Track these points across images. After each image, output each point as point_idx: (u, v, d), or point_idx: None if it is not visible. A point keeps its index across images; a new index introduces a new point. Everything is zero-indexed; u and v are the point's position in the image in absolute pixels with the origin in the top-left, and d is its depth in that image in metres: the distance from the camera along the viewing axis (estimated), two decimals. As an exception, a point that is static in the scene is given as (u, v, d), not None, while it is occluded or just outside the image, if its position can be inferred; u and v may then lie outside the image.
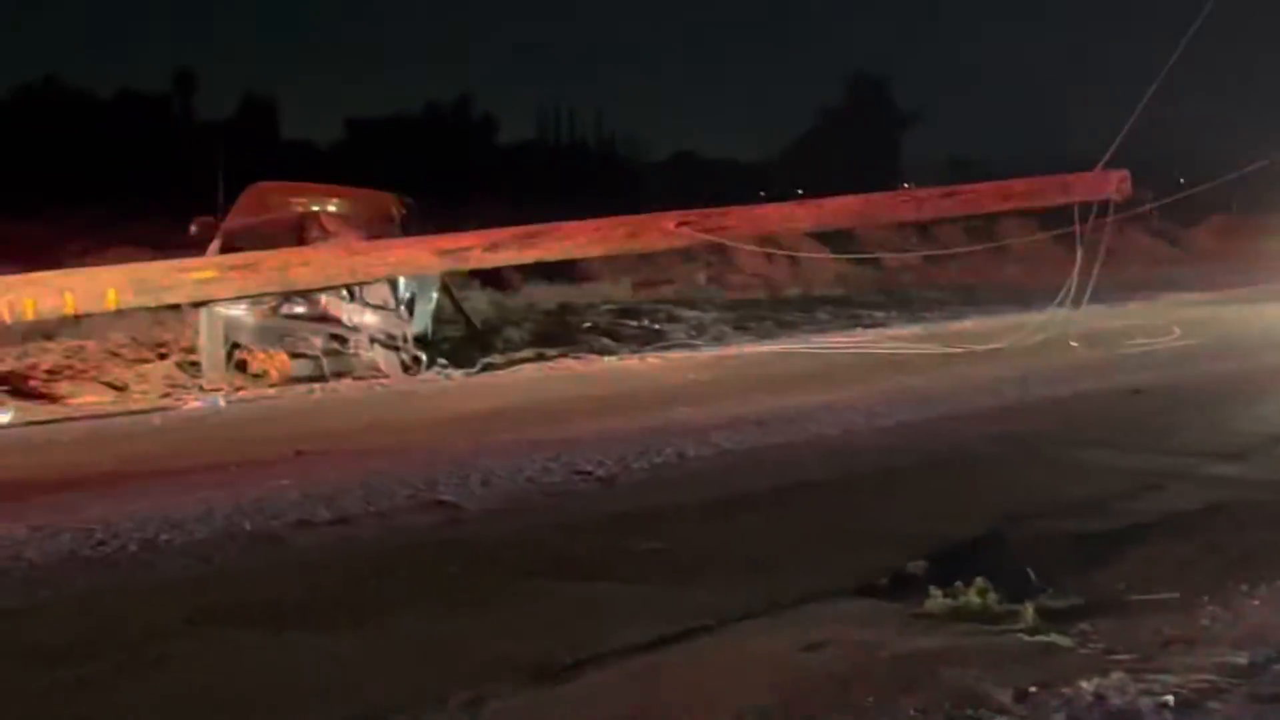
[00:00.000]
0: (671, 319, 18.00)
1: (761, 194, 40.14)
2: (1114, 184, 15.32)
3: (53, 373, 12.67)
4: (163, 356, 13.54)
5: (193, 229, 14.47)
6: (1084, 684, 4.34)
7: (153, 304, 12.54)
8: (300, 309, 12.84)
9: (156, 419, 10.80)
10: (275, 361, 12.71)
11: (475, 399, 11.55)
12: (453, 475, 7.92)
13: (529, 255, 13.59)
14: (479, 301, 18.38)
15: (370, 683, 4.61)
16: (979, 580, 5.30)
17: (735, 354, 14.81)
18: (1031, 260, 25.40)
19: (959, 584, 5.31)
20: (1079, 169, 16.31)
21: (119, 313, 13.31)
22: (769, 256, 24.11)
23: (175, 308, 13.88)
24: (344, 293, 12.87)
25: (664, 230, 13.85)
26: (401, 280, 13.21)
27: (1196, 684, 4.36)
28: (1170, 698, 4.25)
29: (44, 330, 14.10)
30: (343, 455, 8.84)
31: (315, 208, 14.44)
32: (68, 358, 13.30)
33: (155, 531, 6.69)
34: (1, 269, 13.35)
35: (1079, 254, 14.75)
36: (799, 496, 7.48)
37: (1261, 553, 5.98)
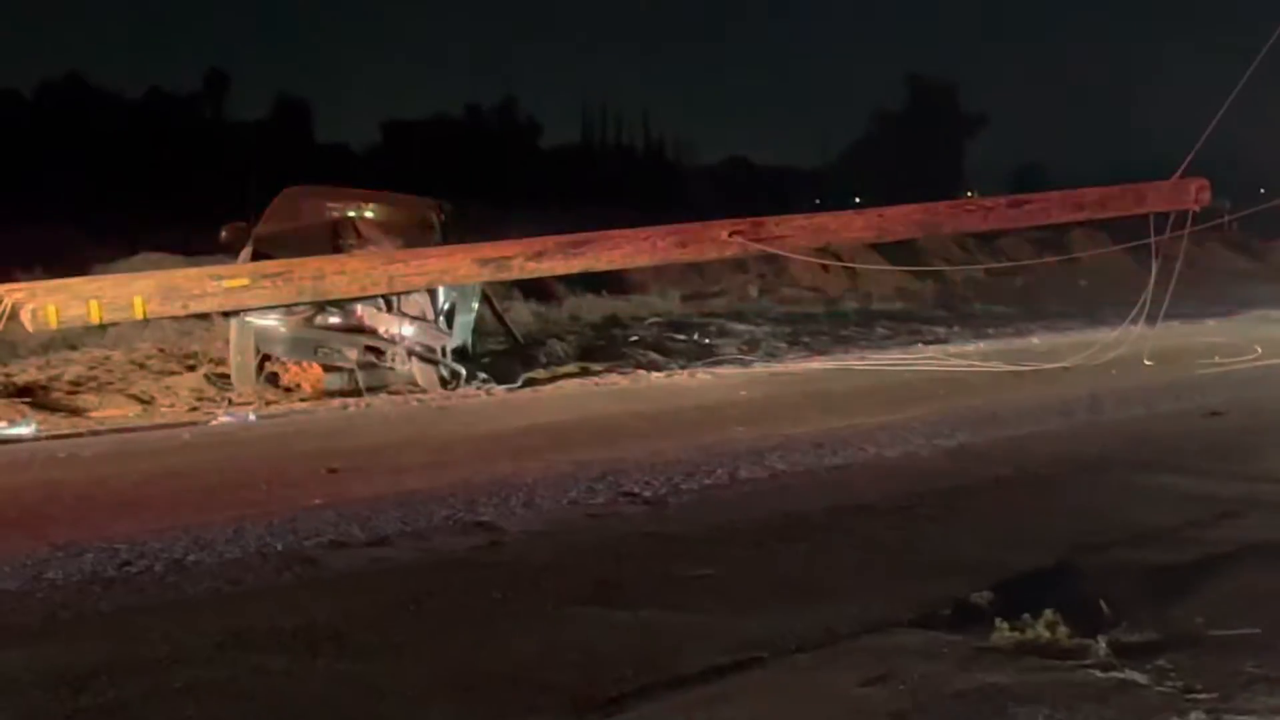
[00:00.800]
0: (722, 333, 18.02)
1: (817, 201, 40.21)
2: (1192, 193, 15.19)
3: (76, 384, 12.75)
4: (191, 368, 13.62)
5: (223, 235, 14.51)
6: (1161, 724, 4.32)
7: (181, 313, 12.54)
8: (335, 320, 12.86)
9: (184, 434, 10.84)
10: (308, 374, 12.76)
11: (517, 415, 11.56)
12: (493, 495, 7.94)
13: (574, 265, 13.55)
14: (521, 313, 18.42)
15: (408, 714, 4.62)
16: (1048, 612, 5.28)
17: (789, 370, 14.80)
18: (1103, 273, 25.31)
19: (1026, 616, 5.28)
20: (1154, 177, 16.20)
21: (146, 322, 13.40)
22: (825, 268, 24.15)
23: (204, 317, 13.98)
24: (380, 303, 12.88)
25: (715, 239, 13.81)
26: (441, 290, 13.20)
27: (1280, 726, 4.33)
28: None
29: (68, 340, 14.23)
30: (378, 473, 8.85)
31: (351, 213, 14.46)
32: (92, 369, 13.39)
33: (183, 551, 6.73)
34: (24, 275, 13.48)
35: (1154, 267, 14.67)
36: (857, 521, 7.45)
37: (1349, 586, 5.93)
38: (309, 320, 12.79)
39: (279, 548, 6.83)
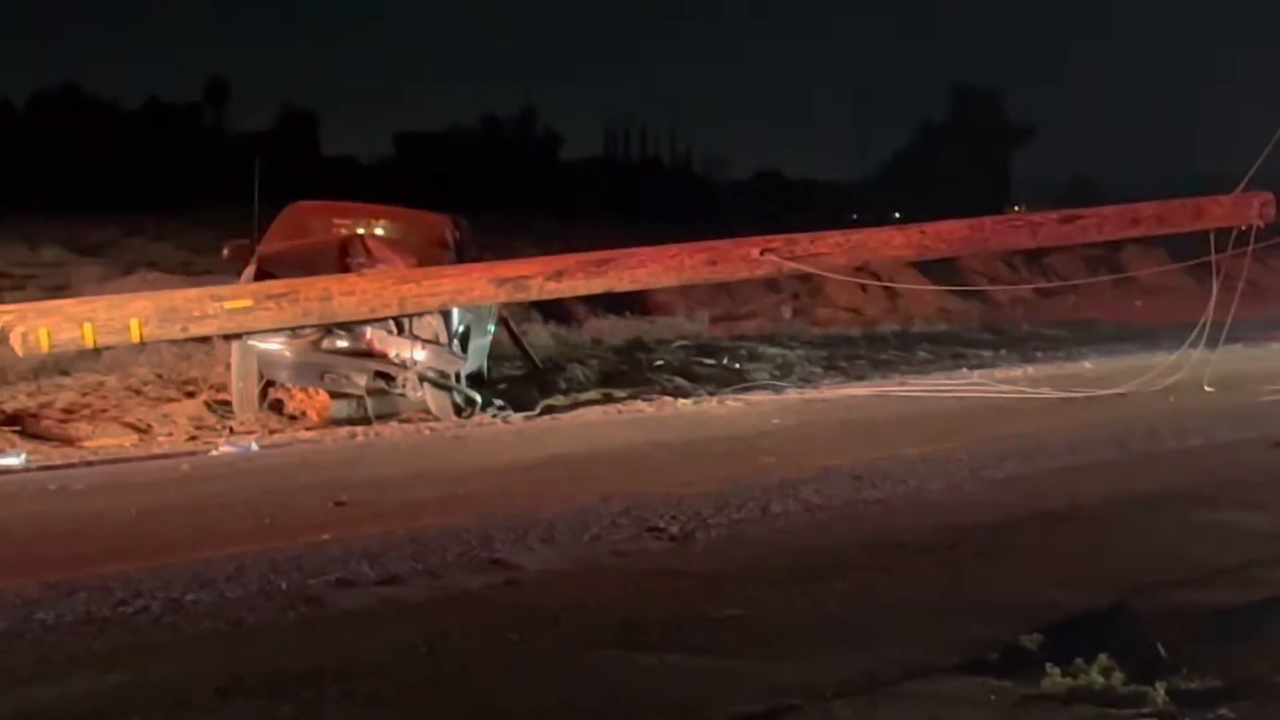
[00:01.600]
0: (753, 357, 18.01)
1: (854, 217, 40.22)
2: (1255, 208, 15.13)
3: (69, 412, 12.79)
4: (190, 395, 13.64)
5: (225, 253, 14.59)
6: (1223, 778, 4.30)
7: (180, 336, 12.57)
8: (343, 343, 12.86)
9: (183, 464, 10.86)
10: (314, 401, 12.78)
11: (535, 445, 11.56)
12: (510, 531, 7.93)
13: (597, 285, 13.55)
14: (540, 336, 18.46)
15: (418, 764, 4.62)
16: (1102, 657, 5.26)
17: (825, 397, 14.78)
18: (1160, 293, 25.30)
19: (1079, 661, 5.26)
20: (1215, 191, 16.16)
21: (142, 345, 13.45)
22: (863, 288, 24.14)
23: (205, 341, 14.01)
24: (391, 325, 12.89)
25: (747, 258, 13.80)
26: (455, 312, 13.21)
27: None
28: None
29: (60, 365, 14.27)
30: (388, 507, 8.86)
31: (360, 230, 14.51)
32: (85, 395, 13.43)
33: (181, 590, 6.73)
34: (15, 296, 13.54)
35: (1215, 287, 14.63)
36: (897, 559, 7.44)
37: None
38: (315, 344, 12.78)
39: (283, 586, 6.83)
